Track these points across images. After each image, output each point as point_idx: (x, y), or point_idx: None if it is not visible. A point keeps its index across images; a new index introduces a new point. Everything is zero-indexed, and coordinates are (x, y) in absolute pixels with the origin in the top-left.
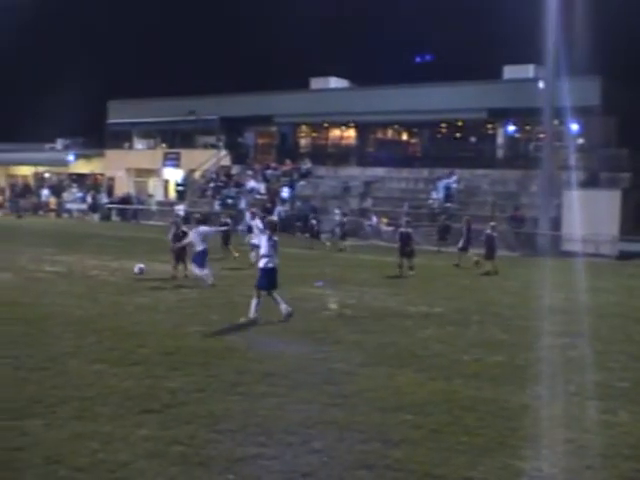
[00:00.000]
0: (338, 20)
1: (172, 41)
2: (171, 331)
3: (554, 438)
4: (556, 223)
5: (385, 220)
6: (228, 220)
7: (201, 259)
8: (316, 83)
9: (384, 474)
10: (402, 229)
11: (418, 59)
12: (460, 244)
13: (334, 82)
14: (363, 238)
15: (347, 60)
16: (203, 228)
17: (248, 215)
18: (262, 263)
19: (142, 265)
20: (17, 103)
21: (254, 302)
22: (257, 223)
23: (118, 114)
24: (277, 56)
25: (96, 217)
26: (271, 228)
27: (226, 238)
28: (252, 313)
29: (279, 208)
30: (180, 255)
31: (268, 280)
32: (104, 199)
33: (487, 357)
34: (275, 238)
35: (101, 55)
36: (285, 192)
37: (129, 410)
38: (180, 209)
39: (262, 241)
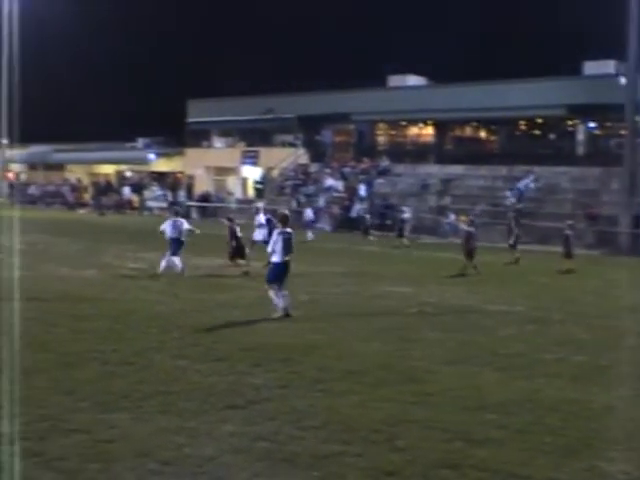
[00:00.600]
0: (414, 17)
1: (250, 40)
2: (251, 327)
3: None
4: (638, 221)
5: (463, 218)
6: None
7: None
8: (394, 81)
9: (468, 474)
10: (465, 228)
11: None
12: (510, 241)
13: (412, 80)
14: (442, 236)
15: (425, 57)
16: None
17: (254, 210)
18: (271, 258)
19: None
20: (99, 103)
21: (274, 297)
22: (259, 219)
23: (198, 113)
24: (355, 54)
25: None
26: (282, 222)
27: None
28: (279, 308)
29: (357, 206)
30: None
31: (274, 274)
32: (181, 197)
33: (569, 356)
34: (288, 231)
35: (181, 54)
36: (362, 190)
37: (213, 406)
38: (259, 207)
39: (273, 236)
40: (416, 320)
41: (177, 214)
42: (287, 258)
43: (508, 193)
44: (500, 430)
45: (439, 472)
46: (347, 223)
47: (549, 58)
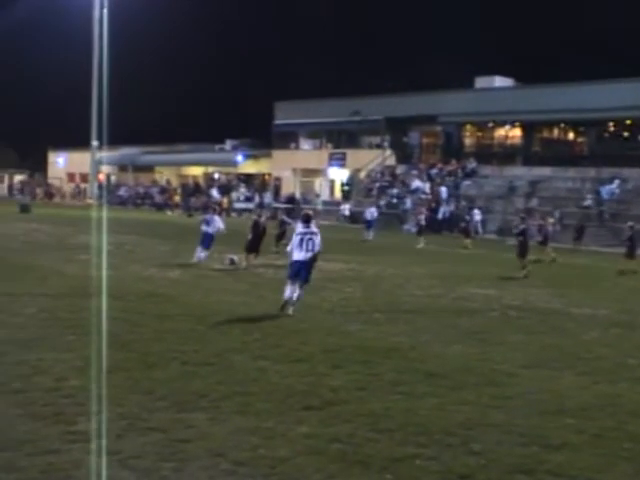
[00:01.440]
0: (500, 19)
1: (337, 41)
2: (335, 329)
3: None
4: None
5: (551, 220)
6: (285, 218)
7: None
8: (481, 82)
9: (543, 479)
10: (522, 226)
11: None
12: (539, 238)
13: (499, 81)
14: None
15: (512, 58)
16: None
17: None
18: (291, 256)
19: (234, 256)
20: (188, 105)
21: (286, 290)
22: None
23: (285, 115)
24: (442, 55)
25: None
26: (304, 220)
27: (281, 235)
28: (288, 301)
29: (444, 208)
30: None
31: (292, 271)
32: (267, 199)
33: None
34: (311, 229)
35: (268, 56)
36: (444, 192)
37: (290, 407)
38: (346, 208)
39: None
40: (499, 323)
41: (215, 211)
42: (306, 256)
43: (588, 197)
44: (578, 435)
45: (513, 477)
46: (434, 225)
47: (637, 58)
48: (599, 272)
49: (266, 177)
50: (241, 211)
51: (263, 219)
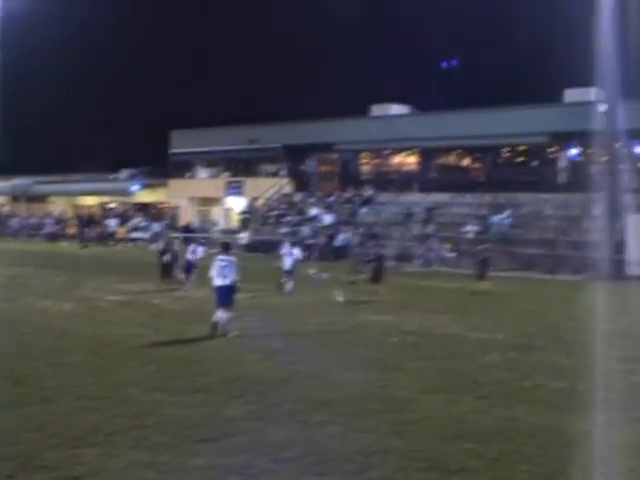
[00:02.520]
0: (396, 46)
1: (234, 69)
2: (232, 359)
3: (616, 467)
4: (620, 246)
5: (448, 246)
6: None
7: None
8: (377, 110)
9: None
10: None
11: (444, 64)
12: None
13: (395, 108)
14: (426, 264)
15: (407, 86)
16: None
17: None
18: (213, 282)
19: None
20: (82, 134)
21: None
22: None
23: (181, 143)
24: (338, 83)
25: (154, 246)
26: (223, 249)
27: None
28: (224, 328)
29: (342, 235)
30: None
31: (216, 297)
32: (158, 228)
33: (549, 383)
34: (229, 258)
35: (164, 84)
36: (327, 219)
37: (187, 439)
38: (243, 237)
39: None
40: (397, 349)
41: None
42: (224, 282)
43: (468, 226)
44: (477, 459)
45: None
46: (332, 252)
47: (531, 86)
48: (497, 296)
49: (163, 206)
50: (137, 241)
51: (175, 247)
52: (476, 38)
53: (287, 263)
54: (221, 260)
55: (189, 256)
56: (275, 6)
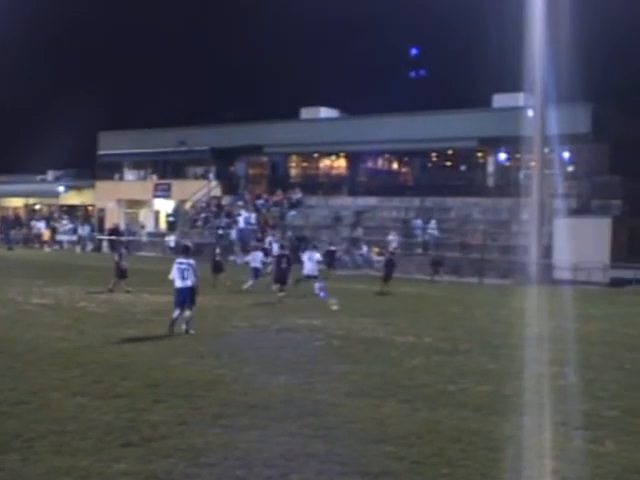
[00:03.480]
0: (326, 50)
1: (163, 71)
2: (157, 363)
3: (539, 469)
4: (547, 251)
5: (376, 249)
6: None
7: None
8: (306, 113)
9: None
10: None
11: (413, 73)
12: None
13: (324, 112)
14: (354, 268)
15: (337, 89)
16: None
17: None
18: (174, 284)
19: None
20: (8, 135)
21: (173, 316)
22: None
23: (109, 145)
24: (267, 86)
25: (78, 249)
26: (183, 251)
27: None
28: (173, 323)
29: (270, 238)
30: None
31: (175, 298)
32: (85, 231)
33: (473, 387)
34: (188, 261)
35: (92, 86)
36: (242, 221)
37: (108, 444)
38: (171, 240)
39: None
40: (323, 353)
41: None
42: (185, 284)
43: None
44: (398, 462)
45: None
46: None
47: (460, 91)
48: (424, 300)
49: (89, 208)
50: (63, 243)
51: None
52: (407, 43)
53: (307, 268)
54: (180, 263)
55: (253, 263)
56: (208, 8)
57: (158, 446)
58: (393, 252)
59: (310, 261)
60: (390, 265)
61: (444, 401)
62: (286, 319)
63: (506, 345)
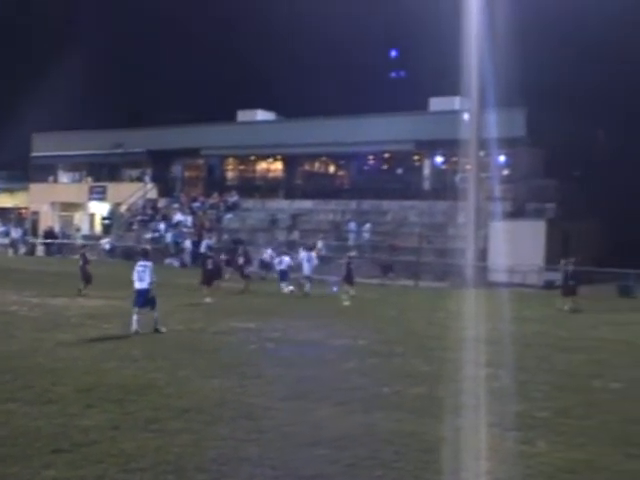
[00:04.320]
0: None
1: (99, 72)
2: (90, 367)
3: (471, 470)
4: (483, 254)
5: (313, 252)
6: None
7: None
8: (243, 115)
9: None
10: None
11: (394, 74)
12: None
13: (261, 114)
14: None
15: (273, 92)
16: None
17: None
18: (134, 285)
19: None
20: None
21: (133, 318)
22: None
23: (43, 147)
24: (204, 88)
25: (10, 252)
26: (142, 254)
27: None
28: (133, 327)
29: (206, 241)
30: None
31: (135, 299)
32: (18, 234)
33: (408, 389)
34: (145, 263)
35: (26, 87)
36: (161, 225)
37: (38, 450)
38: (106, 242)
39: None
40: (257, 356)
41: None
42: (142, 286)
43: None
44: (331, 465)
45: None
46: (198, 258)
47: (398, 94)
48: (360, 303)
49: (23, 211)
50: None
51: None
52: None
53: (306, 269)
54: (139, 265)
55: (279, 266)
56: (145, 8)
57: (89, 451)
58: (351, 257)
59: (309, 262)
60: (350, 269)
61: (378, 404)
62: (222, 322)
63: (441, 347)
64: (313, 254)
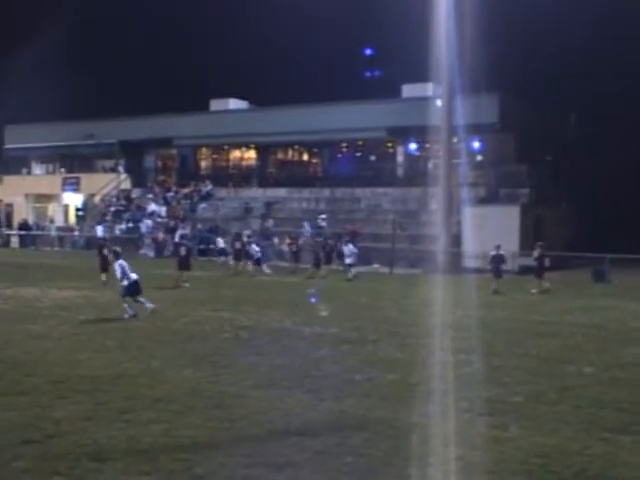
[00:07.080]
0: (235, 41)
1: (69, 63)
2: (63, 359)
3: (442, 456)
4: (456, 240)
5: (287, 241)
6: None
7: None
8: (216, 105)
9: None
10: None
11: (368, 73)
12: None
13: (233, 103)
14: (265, 259)
15: (246, 81)
16: None
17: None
18: (123, 281)
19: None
20: None
21: (126, 306)
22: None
23: (15, 139)
24: (176, 77)
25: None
26: (114, 256)
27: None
28: (129, 312)
29: (180, 231)
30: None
31: (134, 288)
32: None
33: (380, 376)
34: (122, 262)
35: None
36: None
37: (9, 442)
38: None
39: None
40: (230, 345)
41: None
42: (138, 276)
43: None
44: (302, 453)
45: None
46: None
47: (370, 81)
48: (333, 291)
49: None
50: None
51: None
52: (311, 33)
53: (349, 259)
54: (118, 265)
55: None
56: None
57: (60, 442)
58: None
59: (351, 253)
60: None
61: (350, 391)
62: (195, 311)
63: (413, 334)
64: (351, 246)
